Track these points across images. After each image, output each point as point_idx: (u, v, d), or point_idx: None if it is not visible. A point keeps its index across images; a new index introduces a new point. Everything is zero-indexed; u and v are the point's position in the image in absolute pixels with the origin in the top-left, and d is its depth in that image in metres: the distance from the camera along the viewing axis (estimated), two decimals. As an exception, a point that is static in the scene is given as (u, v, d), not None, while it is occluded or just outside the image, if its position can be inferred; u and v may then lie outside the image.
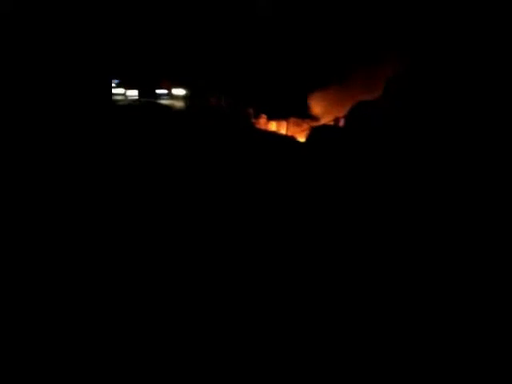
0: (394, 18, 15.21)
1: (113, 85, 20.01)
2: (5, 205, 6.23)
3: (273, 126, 18.03)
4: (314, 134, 16.15)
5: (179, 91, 21.42)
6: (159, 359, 3.24)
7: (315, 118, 17.68)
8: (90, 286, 4.23)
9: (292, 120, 17.57)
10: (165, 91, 21.61)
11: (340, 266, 5.14)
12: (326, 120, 17.05)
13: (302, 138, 16.56)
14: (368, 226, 6.59)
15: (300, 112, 17.48)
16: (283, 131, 17.80)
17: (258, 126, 18.28)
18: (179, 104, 21.04)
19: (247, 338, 3.56)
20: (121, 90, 21.11)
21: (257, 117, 18.47)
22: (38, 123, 11.86)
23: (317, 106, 17.66)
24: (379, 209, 7.36)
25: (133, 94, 21.25)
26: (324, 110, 17.58)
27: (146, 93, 21.25)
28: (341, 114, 16.77)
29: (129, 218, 6.20)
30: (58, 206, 6.47)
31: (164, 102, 21.24)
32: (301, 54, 17.05)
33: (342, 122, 16.54)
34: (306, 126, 17.06)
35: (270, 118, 18.07)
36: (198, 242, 5.54)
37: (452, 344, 3.60)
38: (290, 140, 16.31)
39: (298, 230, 6.32)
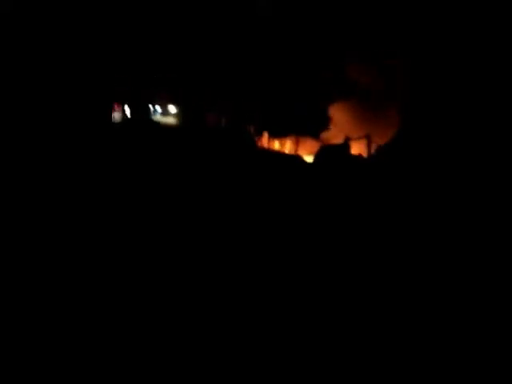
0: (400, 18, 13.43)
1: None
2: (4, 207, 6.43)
3: (276, 145, 15.78)
4: (323, 154, 13.94)
5: (173, 108, 19.61)
6: (159, 359, 3.23)
7: (325, 137, 15.31)
8: (89, 288, 4.33)
9: (298, 138, 15.27)
10: (159, 107, 19.79)
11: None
12: (339, 139, 14.61)
13: (309, 159, 14.16)
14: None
15: (308, 129, 15.19)
16: (288, 150, 15.46)
17: (259, 144, 16.01)
18: (174, 121, 19.21)
19: (247, 338, 3.60)
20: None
21: (259, 135, 16.23)
22: (37, 124, 11.94)
23: (334, 123, 15.39)
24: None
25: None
26: (339, 128, 15.19)
27: (138, 109, 19.39)
28: (357, 134, 14.43)
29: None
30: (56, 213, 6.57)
31: (158, 119, 19.48)
32: (305, 59, 15.17)
33: (359, 145, 14.15)
34: (313, 144, 14.70)
35: (273, 135, 15.81)
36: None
37: (452, 344, 3.58)
38: (295, 160, 14.04)
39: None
